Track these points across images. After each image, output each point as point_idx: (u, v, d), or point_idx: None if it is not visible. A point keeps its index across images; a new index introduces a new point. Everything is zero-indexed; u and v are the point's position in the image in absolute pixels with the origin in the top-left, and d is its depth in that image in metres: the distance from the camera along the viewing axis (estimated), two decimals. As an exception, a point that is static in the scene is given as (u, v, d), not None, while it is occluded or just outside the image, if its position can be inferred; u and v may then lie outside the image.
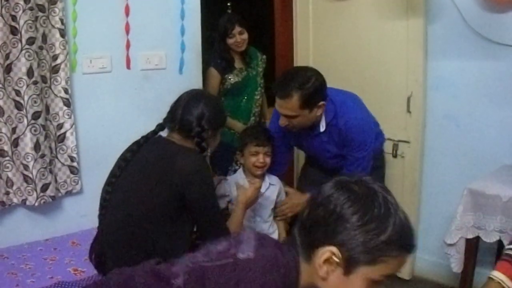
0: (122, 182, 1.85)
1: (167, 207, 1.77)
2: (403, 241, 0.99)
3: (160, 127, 1.97)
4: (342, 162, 2.39)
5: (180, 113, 1.90)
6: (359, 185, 1.02)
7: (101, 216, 1.88)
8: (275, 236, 2.43)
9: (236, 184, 2.27)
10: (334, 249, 0.98)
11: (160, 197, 1.77)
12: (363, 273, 0.98)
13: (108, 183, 1.88)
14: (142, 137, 1.93)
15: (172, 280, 1.07)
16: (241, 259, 1.06)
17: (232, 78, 3.27)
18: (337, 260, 0.99)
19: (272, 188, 2.41)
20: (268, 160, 2.32)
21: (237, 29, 3.21)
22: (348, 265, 0.98)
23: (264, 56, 3.49)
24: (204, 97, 1.96)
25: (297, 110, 2.18)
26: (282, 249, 1.08)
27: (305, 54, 3.34)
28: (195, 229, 1.94)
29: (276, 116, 2.41)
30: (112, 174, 1.88)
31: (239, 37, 3.23)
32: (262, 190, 2.29)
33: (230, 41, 3.22)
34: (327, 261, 1.00)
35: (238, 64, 3.32)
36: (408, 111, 2.81)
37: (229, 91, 3.28)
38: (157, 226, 1.76)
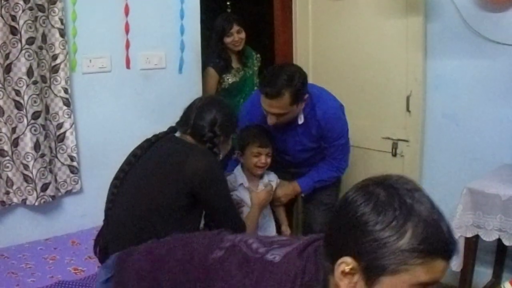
0: (131, 177, 1.87)
1: (175, 204, 1.79)
2: (428, 246, 0.86)
3: (172, 129, 2.00)
4: (315, 157, 2.47)
5: (193, 118, 1.93)
6: (380, 185, 0.92)
7: (108, 211, 1.89)
8: (271, 230, 2.47)
9: (248, 188, 2.33)
10: (348, 259, 0.89)
11: (169, 194, 1.78)
12: (387, 284, 0.88)
13: (117, 177, 1.90)
14: (153, 135, 1.97)
15: (216, 250, 1.12)
16: (265, 259, 1.05)
17: (230, 79, 3.28)
18: (353, 271, 0.89)
19: (274, 182, 2.46)
20: (269, 160, 2.35)
21: (235, 28, 3.22)
22: (368, 277, 0.89)
23: (258, 55, 3.50)
24: (217, 103, 2.00)
25: (287, 108, 2.21)
26: (317, 262, 1.00)
27: (304, 54, 3.34)
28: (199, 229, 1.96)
29: (250, 111, 2.45)
30: (121, 170, 1.91)
31: (237, 36, 3.23)
32: (262, 187, 2.37)
33: (227, 40, 3.22)
34: (345, 273, 0.90)
35: (235, 63, 3.32)
36: (408, 110, 2.81)
37: (227, 91, 3.27)
38: (164, 222, 1.77)
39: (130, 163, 1.89)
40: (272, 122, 2.27)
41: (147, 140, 1.95)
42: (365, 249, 0.88)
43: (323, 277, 0.98)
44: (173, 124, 2.04)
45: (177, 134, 2.00)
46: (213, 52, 3.25)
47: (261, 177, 2.40)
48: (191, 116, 1.94)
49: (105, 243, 1.87)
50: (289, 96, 2.17)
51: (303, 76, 2.24)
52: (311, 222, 2.61)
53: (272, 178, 2.46)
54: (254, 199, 2.25)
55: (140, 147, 1.93)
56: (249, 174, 2.37)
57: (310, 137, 2.40)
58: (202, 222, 1.98)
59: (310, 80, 3.16)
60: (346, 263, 0.90)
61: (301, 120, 2.34)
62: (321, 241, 1.04)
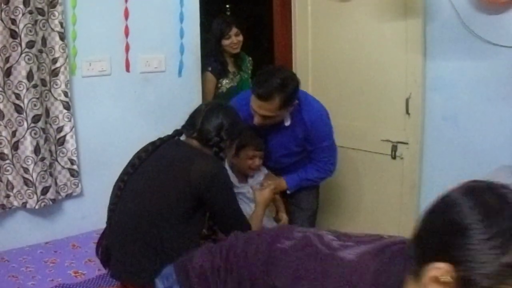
0: (135, 180, 1.88)
1: (179, 207, 1.80)
2: None
3: (177, 132, 2.01)
4: (296, 164, 2.53)
5: (200, 122, 1.95)
6: (490, 191, 0.85)
7: (111, 212, 1.90)
8: (266, 221, 2.50)
9: (252, 187, 2.38)
10: (445, 266, 0.81)
11: (174, 197, 1.79)
12: None
13: (121, 179, 1.90)
14: (158, 138, 1.98)
15: (282, 240, 1.11)
16: (336, 255, 1.02)
17: (227, 83, 3.28)
18: (447, 280, 0.81)
19: (261, 178, 2.54)
20: (261, 162, 2.44)
21: (234, 30, 3.22)
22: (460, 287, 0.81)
23: (250, 58, 3.52)
24: (223, 109, 2.02)
25: (276, 111, 2.25)
26: (394, 266, 0.95)
27: (304, 55, 3.34)
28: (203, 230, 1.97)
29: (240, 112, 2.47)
30: (126, 172, 1.91)
31: (235, 39, 3.24)
32: (253, 183, 2.46)
33: (225, 42, 3.22)
34: (436, 280, 0.82)
35: (231, 67, 3.33)
36: (407, 112, 2.82)
37: (224, 95, 3.27)
38: (168, 224, 1.78)
39: (135, 166, 1.90)
40: (258, 123, 2.31)
41: (152, 143, 1.96)
42: (464, 258, 0.80)
43: (400, 279, 0.92)
44: (173, 127, 2.05)
45: (182, 137, 2.02)
46: (210, 54, 3.25)
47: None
48: (198, 121, 1.95)
49: (107, 245, 1.88)
50: (279, 100, 2.21)
51: (296, 82, 2.28)
52: (292, 222, 2.67)
53: (261, 170, 2.53)
54: (258, 198, 2.26)
55: (145, 149, 1.94)
56: (237, 173, 2.43)
57: (296, 140, 2.43)
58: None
59: (310, 82, 3.19)
60: (439, 269, 0.82)
61: (287, 122, 2.38)
62: (404, 244, 0.98)
